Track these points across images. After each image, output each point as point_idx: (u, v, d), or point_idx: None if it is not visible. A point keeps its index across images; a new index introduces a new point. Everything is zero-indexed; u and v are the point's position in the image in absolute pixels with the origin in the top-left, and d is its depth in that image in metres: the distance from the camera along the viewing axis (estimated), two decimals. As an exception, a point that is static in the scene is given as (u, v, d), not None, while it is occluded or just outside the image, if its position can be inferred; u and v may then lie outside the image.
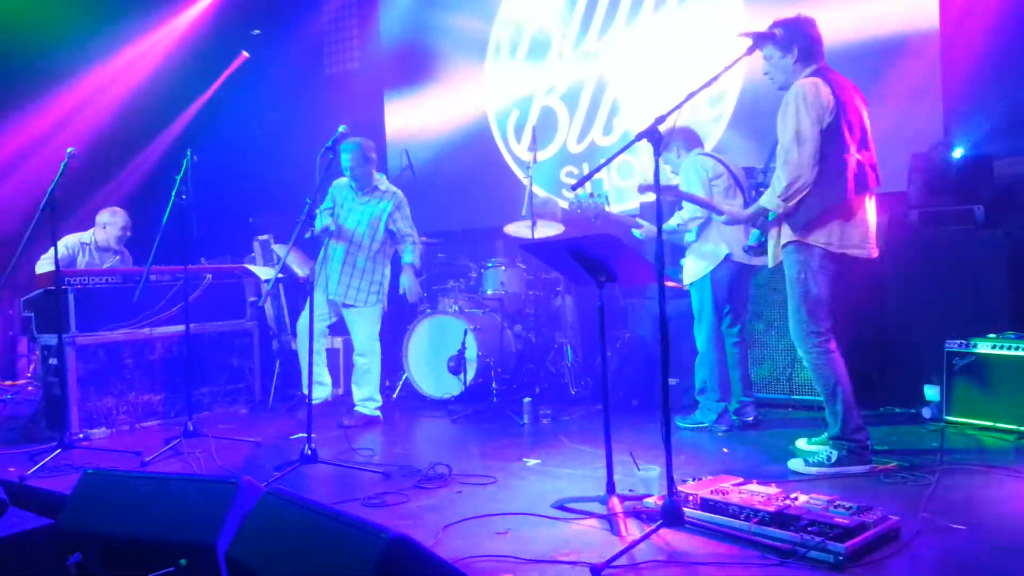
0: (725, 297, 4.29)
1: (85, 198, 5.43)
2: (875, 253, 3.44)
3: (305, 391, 4.15)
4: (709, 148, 5.06)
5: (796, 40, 3.37)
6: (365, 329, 4.96)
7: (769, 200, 3.39)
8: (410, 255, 4.99)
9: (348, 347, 6.15)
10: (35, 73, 5.87)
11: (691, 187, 4.14)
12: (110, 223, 5.48)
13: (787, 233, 3.41)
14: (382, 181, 5.04)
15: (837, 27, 4.88)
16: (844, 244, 3.33)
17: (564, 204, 6.29)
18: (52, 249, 4.71)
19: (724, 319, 4.35)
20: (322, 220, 4.82)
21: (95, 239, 5.49)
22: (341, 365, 6.10)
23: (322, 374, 5.17)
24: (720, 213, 3.92)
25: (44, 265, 5.18)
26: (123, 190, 5.98)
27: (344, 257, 4.87)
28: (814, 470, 3.38)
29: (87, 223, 5.57)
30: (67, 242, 5.36)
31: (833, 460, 3.37)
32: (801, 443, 3.79)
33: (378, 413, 5.00)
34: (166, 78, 6.53)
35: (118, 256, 5.57)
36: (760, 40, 3.35)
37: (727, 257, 4.20)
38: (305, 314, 4.67)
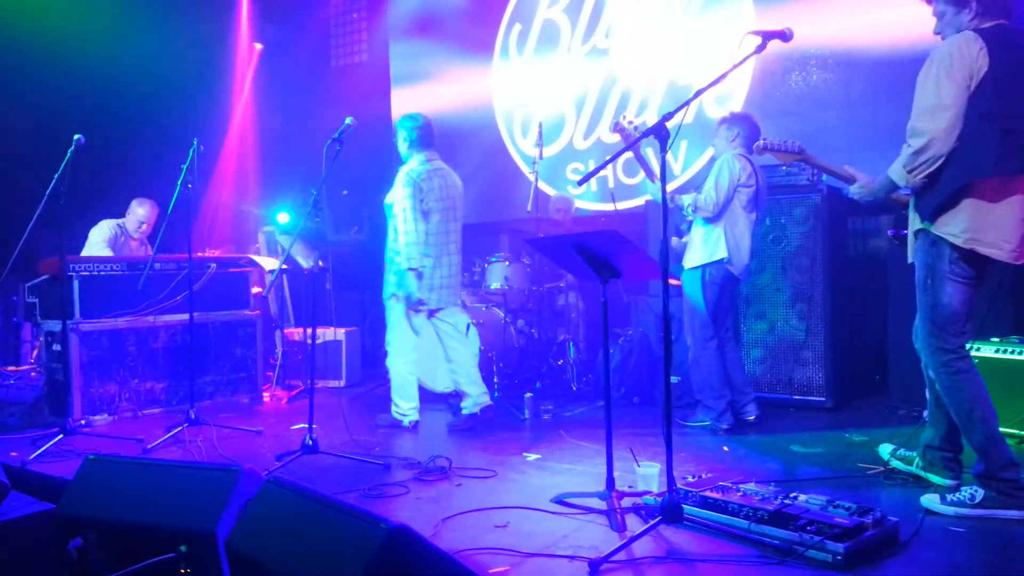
0: (715, 296, 4.28)
1: (92, 186, 5.44)
2: (1017, 258, 2.81)
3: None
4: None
5: None
6: None
7: (896, 171, 2.91)
8: None
9: (351, 339, 6.17)
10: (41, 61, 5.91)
11: (720, 182, 4.15)
12: (130, 213, 5.74)
13: (915, 221, 2.94)
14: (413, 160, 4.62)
15: (872, 31, 5.15)
16: (974, 238, 2.78)
17: (576, 199, 6.28)
18: (97, 233, 5.39)
19: (715, 317, 4.34)
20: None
21: (126, 224, 5.75)
22: (344, 357, 6.11)
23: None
24: (851, 182, 3.25)
25: (96, 248, 5.51)
26: (131, 178, 6.04)
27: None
28: (952, 510, 2.84)
29: (95, 210, 5.74)
30: (108, 228, 5.61)
31: (977, 500, 2.83)
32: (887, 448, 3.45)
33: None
34: (175, 67, 6.54)
35: (138, 245, 5.77)
36: (770, 36, 2.82)
37: (723, 261, 4.20)
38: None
